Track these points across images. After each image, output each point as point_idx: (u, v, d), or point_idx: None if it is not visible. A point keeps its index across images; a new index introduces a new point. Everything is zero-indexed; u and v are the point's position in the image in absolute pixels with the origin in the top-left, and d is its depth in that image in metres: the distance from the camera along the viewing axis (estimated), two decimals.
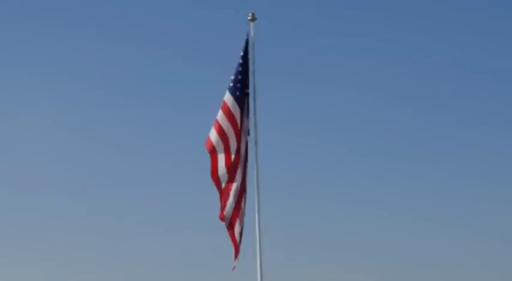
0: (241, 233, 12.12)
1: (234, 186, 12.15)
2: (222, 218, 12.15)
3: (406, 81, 31.75)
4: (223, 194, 12.16)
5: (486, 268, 26.31)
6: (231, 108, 12.14)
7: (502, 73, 31.43)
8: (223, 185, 12.16)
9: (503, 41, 31.56)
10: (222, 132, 12.12)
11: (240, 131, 12.20)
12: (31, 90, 31.00)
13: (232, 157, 12.16)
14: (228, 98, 12.17)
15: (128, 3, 32.46)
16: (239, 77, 12.19)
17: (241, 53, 12.25)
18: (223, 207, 12.15)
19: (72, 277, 26.50)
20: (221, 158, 12.16)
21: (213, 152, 12.14)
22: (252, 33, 12.38)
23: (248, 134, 12.31)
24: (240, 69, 12.21)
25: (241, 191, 12.17)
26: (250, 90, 12.31)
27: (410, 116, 31.44)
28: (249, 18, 12.40)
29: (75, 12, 31.82)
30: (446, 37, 31.85)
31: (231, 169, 12.15)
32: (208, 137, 12.19)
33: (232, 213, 12.14)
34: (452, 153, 30.31)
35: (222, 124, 12.14)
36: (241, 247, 12.19)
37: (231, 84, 12.18)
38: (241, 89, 12.20)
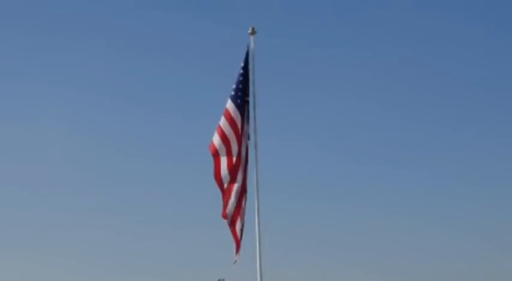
0: (242, 230, 12.56)
1: (236, 186, 12.60)
2: (225, 216, 12.61)
3: (404, 87, 32.44)
4: (226, 194, 12.60)
5: (486, 268, 26.99)
6: (232, 114, 12.61)
7: (496, 82, 32.14)
8: (225, 185, 12.61)
9: (488, 53, 32.28)
10: (224, 137, 12.58)
11: (241, 135, 12.64)
12: (49, 97, 32.04)
13: (234, 159, 12.61)
14: (229, 105, 12.63)
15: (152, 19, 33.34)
16: (240, 86, 12.67)
17: (242, 64, 12.70)
18: (225, 206, 12.59)
19: (78, 271, 27.29)
20: (223, 161, 12.62)
21: (216, 155, 12.61)
22: (252, 45, 12.83)
23: (248, 139, 12.75)
24: (241, 79, 12.67)
25: (242, 191, 12.62)
26: (251, 98, 12.77)
27: (406, 122, 32.16)
28: (249, 32, 12.84)
29: (87, 25, 32.88)
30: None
31: (233, 170, 12.61)
32: (212, 142, 12.65)
33: (234, 211, 12.58)
34: (448, 157, 30.97)
35: (224, 129, 12.60)
36: (242, 243, 12.62)
37: (233, 93, 12.65)
38: (241, 97, 12.68)
